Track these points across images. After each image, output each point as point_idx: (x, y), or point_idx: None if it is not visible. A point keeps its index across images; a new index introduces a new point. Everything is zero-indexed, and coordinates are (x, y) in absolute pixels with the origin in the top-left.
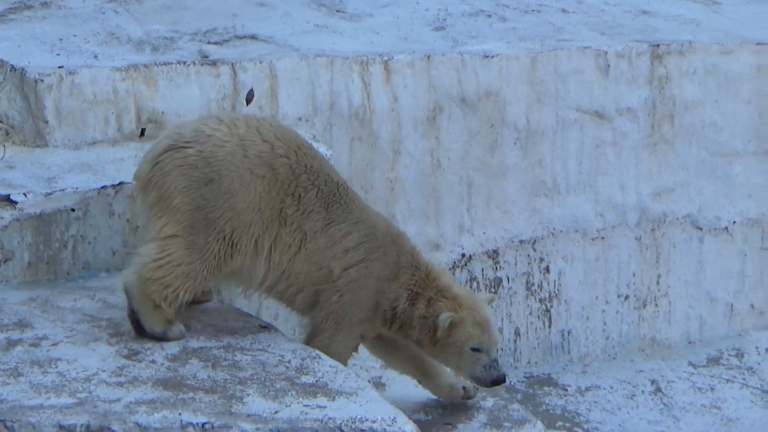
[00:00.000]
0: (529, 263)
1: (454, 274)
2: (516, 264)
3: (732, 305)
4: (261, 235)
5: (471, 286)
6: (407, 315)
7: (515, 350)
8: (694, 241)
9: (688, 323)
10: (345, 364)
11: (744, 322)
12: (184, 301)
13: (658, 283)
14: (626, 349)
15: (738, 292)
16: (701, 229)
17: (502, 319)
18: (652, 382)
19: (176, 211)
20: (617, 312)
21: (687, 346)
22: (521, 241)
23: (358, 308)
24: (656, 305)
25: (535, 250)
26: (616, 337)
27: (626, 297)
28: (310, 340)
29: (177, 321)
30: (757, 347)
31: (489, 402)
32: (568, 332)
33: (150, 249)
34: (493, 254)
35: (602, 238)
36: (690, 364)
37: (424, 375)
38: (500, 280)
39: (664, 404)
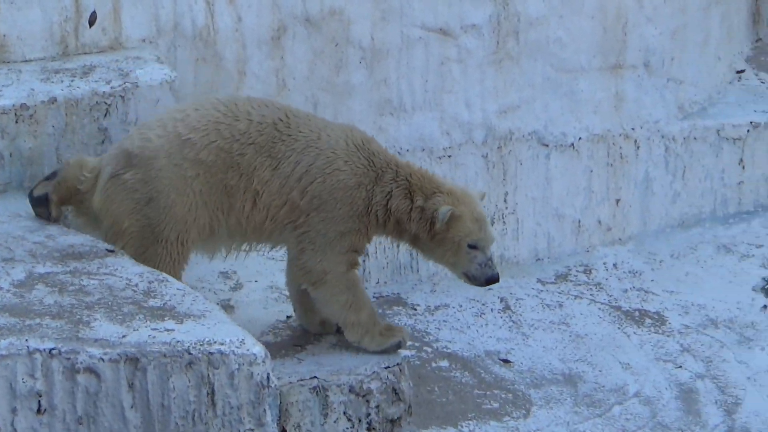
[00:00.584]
0: None
1: None
2: None
3: (579, 221)
4: (211, 220)
5: None
6: (403, 210)
7: (364, 270)
8: (541, 158)
9: (536, 240)
10: (341, 282)
11: (591, 238)
12: None
13: (505, 200)
14: None
15: (585, 208)
16: (547, 145)
17: None
18: (501, 299)
19: (126, 234)
20: None
21: (535, 263)
22: None
23: (331, 223)
24: (504, 223)
25: None
26: None
27: None
28: (292, 264)
29: None
30: (604, 263)
31: None
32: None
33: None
34: None
35: (449, 156)
36: (538, 281)
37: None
38: None
39: (513, 321)
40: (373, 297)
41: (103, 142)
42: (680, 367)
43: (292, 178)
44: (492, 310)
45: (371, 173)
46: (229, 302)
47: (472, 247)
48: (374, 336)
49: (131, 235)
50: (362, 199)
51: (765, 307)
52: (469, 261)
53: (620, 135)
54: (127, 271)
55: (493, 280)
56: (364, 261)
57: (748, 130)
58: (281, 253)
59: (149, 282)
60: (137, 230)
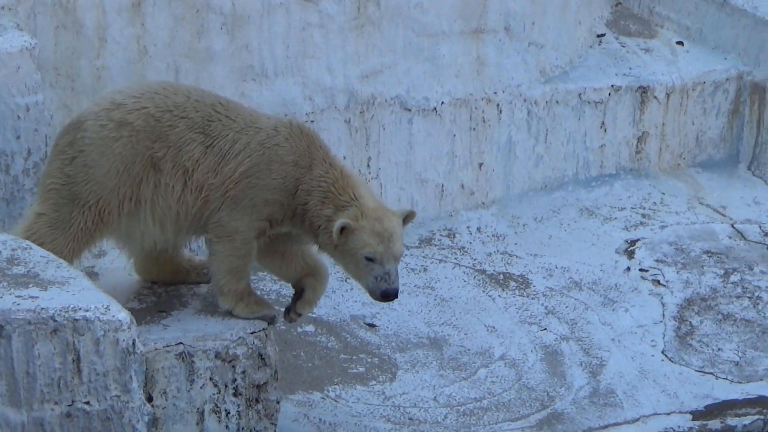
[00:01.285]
0: None
1: None
2: None
3: (442, 186)
4: (133, 193)
5: None
6: (315, 213)
7: None
8: (404, 123)
9: (399, 205)
10: (244, 246)
11: (455, 202)
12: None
13: (368, 165)
14: None
15: (448, 172)
16: (410, 110)
17: None
18: None
19: (45, 192)
20: None
21: None
22: None
23: (261, 190)
24: None
25: None
26: None
27: None
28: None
29: None
30: (468, 227)
31: (203, 288)
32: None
33: (18, 229)
34: None
35: (312, 121)
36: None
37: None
38: None
39: None
40: None
41: None
42: (545, 329)
43: (230, 155)
44: None
45: (307, 158)
46: (93, 269)
47: (369, 259)
48: (249, 304)
49: (50, 192)
50: (294, 178)
51: (628, 269)
52: (367, 273)
53: (482, 99)
54: None
55: (388, 294)
56: None
57: (609, 94)
58: None
59: (12, 249)
60: (54, 189)
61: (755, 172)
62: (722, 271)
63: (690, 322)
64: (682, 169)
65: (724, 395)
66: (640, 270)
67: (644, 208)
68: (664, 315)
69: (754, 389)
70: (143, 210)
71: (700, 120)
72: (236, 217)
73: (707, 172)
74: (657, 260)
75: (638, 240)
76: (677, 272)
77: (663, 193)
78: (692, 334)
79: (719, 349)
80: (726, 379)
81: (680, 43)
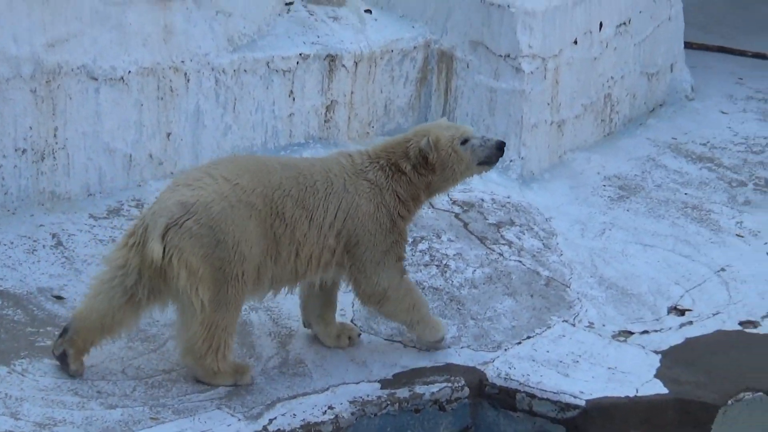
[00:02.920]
0: None
1: None
2: None
3: (131, 156)
4: (260, 264)
5: None
6: (405, 185)
7: None
8: (91, 92)
9: (87, 175)
10: (400, 291)
11: (143, 172)
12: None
13: (55, 135)
14: (26, 203)
15: (136, 142)
16: (96, 79)
17: None
18: (53, 235)
19: (203, 280)
20: (15, 166)
21: (87, 199)
22: None
23: (374, 248)
24: (55, 158)
25: None
26: (15, 192)
27: (24, 151)
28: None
29: (241, 365)
30: (156, 197)
31: None
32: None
33: (195, 326)
34: None
35: None
36: (91, 216)
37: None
38: None
39: (66, 257)
40: None
41: None
42: None
43: (325, 225)
44: (44, 246)
45: (374, 187)
46: None
47: (463, 143)
48: (431, 328)
49: (206, 279)
50: (385, 215)
51: None
52: (473, 153)
53: (170, 68)
54: None
55: (501, 145)
56: None
57: (297, 62)
58: None
59: None
60: (210, 274)
61: None
62: (410, 239)
63: None
64: (371, 137)
65: (413, 363)
66: None
67: None
68: None
69: (441, 357)
70: (263, 278)
71: (389, 88)
72: (374, 281)
73: None
74: None
75: None
76: None
77: None
78: None
79: None
80: (414, 347)
81: (368, 11)
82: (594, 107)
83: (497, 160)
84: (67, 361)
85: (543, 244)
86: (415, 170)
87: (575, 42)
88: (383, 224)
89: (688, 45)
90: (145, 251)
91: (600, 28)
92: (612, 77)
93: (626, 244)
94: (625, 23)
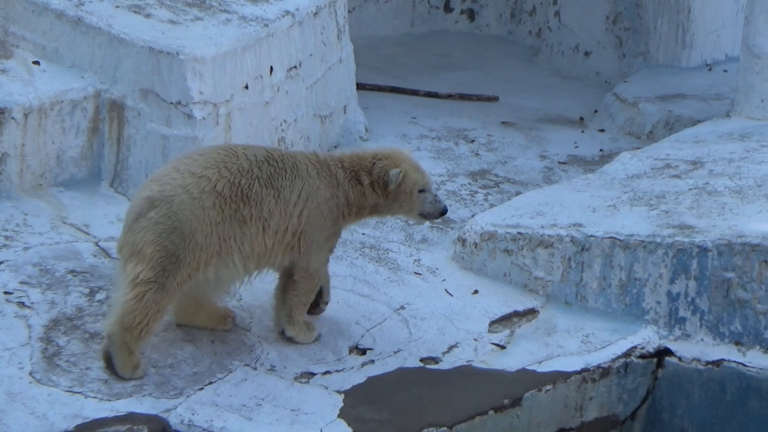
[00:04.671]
0: None
1: None
2: None
3: None
4: (222, 247)
5: None
6: (359, 195)
7: None
8: None
9: None
10: (324, 276)
11: None
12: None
13: None
14: None
15: None
16: None
17: None
18: None
19: (146, 259)
20: None
21: None
22: None
23: (321, 231)
24: None
25: None
26: None
27: None
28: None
29: (141, 362)
30: None
31: None
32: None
33: (128, 298)
34: None
35: None
36: None
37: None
38: None
39: None
40: None
41: None
42: None
43: (290, 203)
44: None
45: (333, 179)
46: None
47: (422, 191)
48: (306, 331)
49: (152, 260)
50: (335, 205)
51: None
52: (422, 203)
53: None
54: None
55: (444, 211)
56: None
57: None
58: None
59: None
60: (159, 257)
61: (117, 189)
62: (87, 290)
63: (57, 342)
64: (44, 189)
65: (94, 414)
66: (5, 293)
67: (7, 230)
68: (30, 337)
69: (123, 406)
70: (230, 257)
71: (60, 139)
72: (316, 258)
73: (70, 191)
74: (21, 282)
75: (1, 263)
76: (42, 293)
77: (25, 214)
78: (59, 355)
79: (87, 368)
80: (95, 397)
81: (36, 62)
82: None
83: (433, 220)
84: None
85: None
86: (371, 187)
87: (246, 87)
88: (333, 212)
89: (360, 86)
90: (117, 246)
91: (271, 73)
92: (285, 120)
93: None
94: (296, 67)
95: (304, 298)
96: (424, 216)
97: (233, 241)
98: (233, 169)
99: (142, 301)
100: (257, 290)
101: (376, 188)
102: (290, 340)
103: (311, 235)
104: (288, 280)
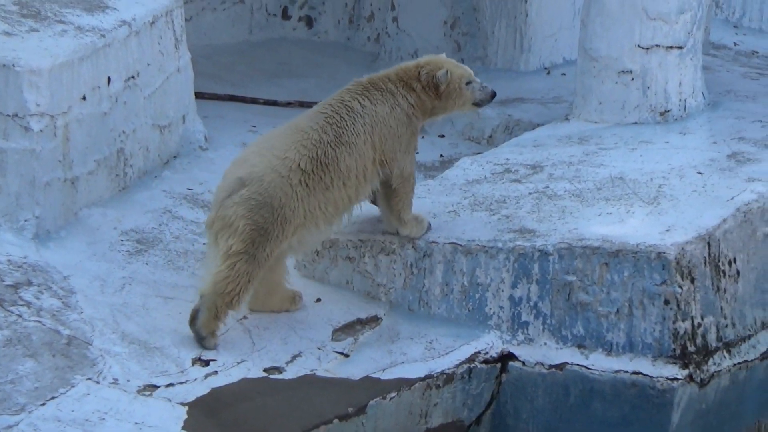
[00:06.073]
0: None
1: None
2: None
3: None
4: (306, 218)
5: None
6: (415, 98)
7: None
8: None
9: None
10: (413, 180)
11: None
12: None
13: None
14: None
15: None
16: None
17: None
18: None
19: (238, 233)
20: None
21: None
22: None
23: (399, 138)
24: None
25: None
26: None
27: None
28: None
29: (218, 335)
30: None
31: None
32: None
33: (221, 268)
34: None
35: None
36: None
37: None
38: None
39: None
40: None
41: None
42: None
43: (360, 145)
44: None
45: (386, 93)
46: None
47: (468, 83)
48: (419, 224)
49: (243, 233)
50: (400, 112)
51: None
52: (472, 93)
53: None
54: None
55: (494, 94)
56: None
57: None
58: None
59: None
60: (249, 230)
61: None
62: None
63: None
64: None
65: None
66: None
67: None
68: None
69: None
70: (314, 223)
71: None
72: (405, 162)
73: None
74: None
75: None
76: None
77: None
78: None
79: None
80: None
81: None
82: (107, 162)
83: (490, 102)
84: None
85: (63, 302)
86: (424, 91)
87: (84, 98)
88: (401, 119)
89: (199, 95)
90: (206, 221)
91: (108, 83)
92: (124, 131)
93: (147, 298)
94: (133, 77)
95: (406, 199)
96: (478, 104)
97: (318, 210)
98: (308, 144)
99: (234, 269)
100: (99, 303)
101: (429, 91)
102: (407, 238)
103: (392, 150)
104: (387, 189)
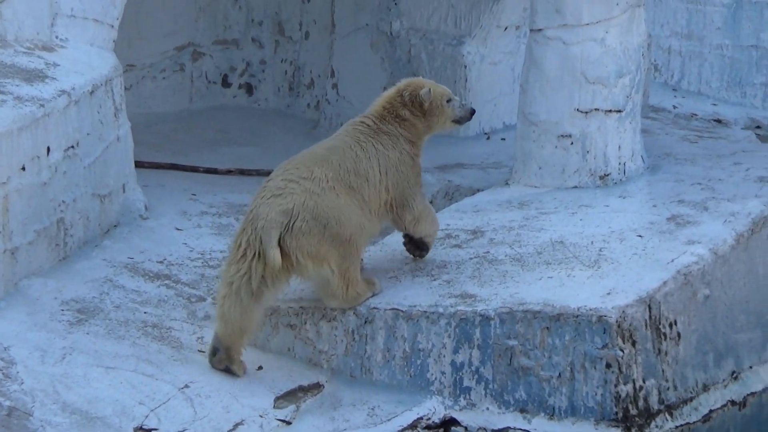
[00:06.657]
0: None
1: None
2: None
3: None
4: (360, 222)
5: None
6: (409, 126)
7: None
8: None
9: None
10: (430, 209)
11: None
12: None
13: None
14: None
15: None
16: None
17: None
18: None
19: (328, 257)
20: None
21: None
22: None
23: (405, 169)
24: None
25: None
26: None
27: None
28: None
29: (369, 279)
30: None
31: None
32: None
33: (334, 282)
34: None
35: None
36: None
37: None
38: None
39: None
40: None
41: None
42: None
43: (376, 181)
44: None
45: (392, 137)
46: None
47: (449, 101)
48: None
49: (329, 254)
50: (406, 156)
51: None
52: (453, 110)
53: None
54: None
55: (473, 111)
56: None
57: None
58: None
59: None
60: (332, 249)
61: None
62: None
63: None
64: None
65: None
66: None
67: None
68: None
69: None
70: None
71: None
72: (414, 201)
73: None
74: None
75: None
76: None
77: None
78: None
79: None
80: None
81: None
82: (47, 232)
83: (469, 119)
84: (232, 370)
85: (3, 373)
86: (412, 114)
87: (23, 168)
88: (407, 163)
89: (139, 164)
90: (268, 260)
91: (48, 153)
92: (64, 201)
93: (88, 368)
94: (73, 146)
95: (429, 227)
96: (458, 121)
97: (365, 219)
98: (333, 164)
99: (343, 275)
100: (40, 374)
101: (416, 113)
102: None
103: (401, 194)
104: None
